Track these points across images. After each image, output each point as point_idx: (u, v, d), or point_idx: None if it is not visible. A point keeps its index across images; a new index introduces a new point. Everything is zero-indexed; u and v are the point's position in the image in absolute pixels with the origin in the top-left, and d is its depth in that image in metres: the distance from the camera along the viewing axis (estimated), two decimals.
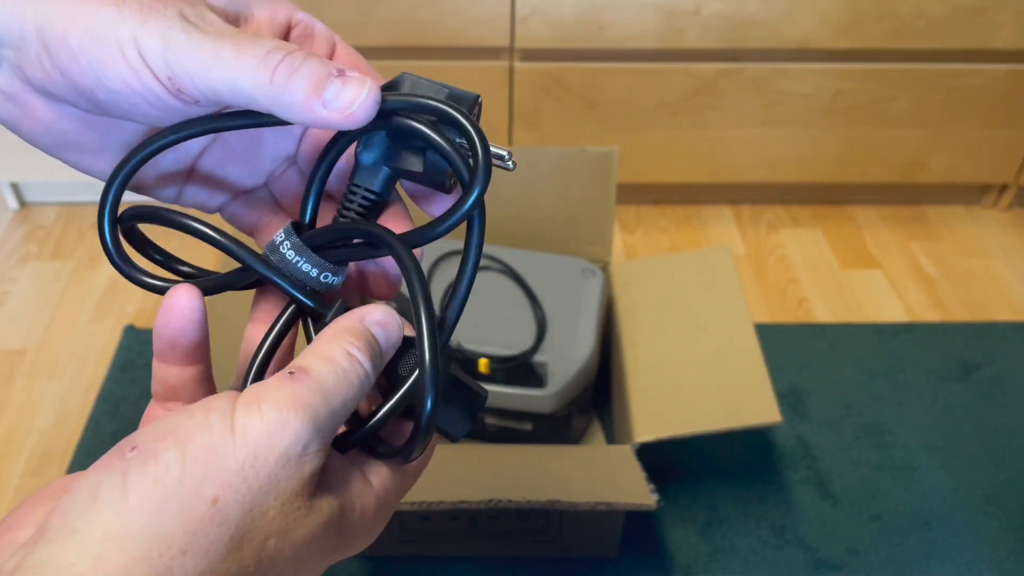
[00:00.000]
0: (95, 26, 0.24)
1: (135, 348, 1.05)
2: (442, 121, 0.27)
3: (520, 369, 0.82)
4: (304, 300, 0.28)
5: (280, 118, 0.25)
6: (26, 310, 1.12)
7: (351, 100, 0.24)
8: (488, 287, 0.90)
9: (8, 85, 0.25)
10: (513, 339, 0.84)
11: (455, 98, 0.28)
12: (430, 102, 0.27)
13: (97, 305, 1.13)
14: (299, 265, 0.28)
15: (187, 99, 0.25)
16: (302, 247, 0.28)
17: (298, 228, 0.29)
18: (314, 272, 0.28)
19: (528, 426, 0.82)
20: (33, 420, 0.97)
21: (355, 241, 0.28)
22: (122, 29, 0.24)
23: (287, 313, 0.29)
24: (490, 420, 0.83)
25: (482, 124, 0.28)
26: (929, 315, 1.15)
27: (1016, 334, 1.11)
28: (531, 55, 1.15)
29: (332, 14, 1.09)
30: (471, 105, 0.28)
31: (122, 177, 0.27)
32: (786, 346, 1.08)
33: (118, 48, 0.24)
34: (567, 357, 0.83)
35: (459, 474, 0.72)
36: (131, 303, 1.13)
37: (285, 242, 0.28)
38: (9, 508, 0.87)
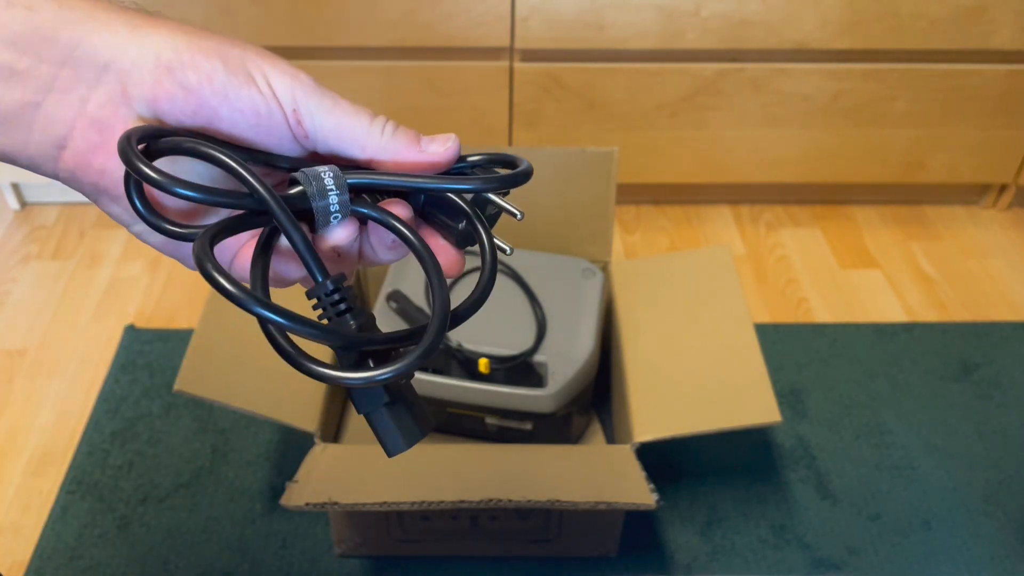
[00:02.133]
0: (227, 57, 0.29)
1: (135, 348, 1.05)
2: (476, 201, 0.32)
3: (520, 369, 0.82)
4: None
5: (378, 161, 0.31)
6: (27, 310, 1.12)
7: (441, 146, 0.32)
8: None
9: (100, 110, 0.29)
10: (513, 339, 0.84)
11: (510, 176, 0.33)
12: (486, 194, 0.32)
13: (98, 305, 1.13)
14: (329, 194, 0.29)
15: (301, 132, 0.30)
16: (344, 181, 0.30)
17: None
18: (334, 207, 0.30)
19: (528, 426, 0.83)
20: (34, 419, 0.97)
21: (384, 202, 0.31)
22: (251, 63, 0.29)
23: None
24: (490, 420, 0.83)
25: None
26: (928, 315, 1.15)
27: (1015, 334, 1.11)
28: (531, 55, 1.15)
29: (333, 15, 1.09)
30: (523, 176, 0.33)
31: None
32: (785, 346, 1.08)
33: (249, 76, 0.29)
34: (567, 357, 0.83)
35: (459, 474, 0.72)
36: (131, 303, 1.13)
37: (329, 171, 0.30)
38: (10, 509, 0.88)
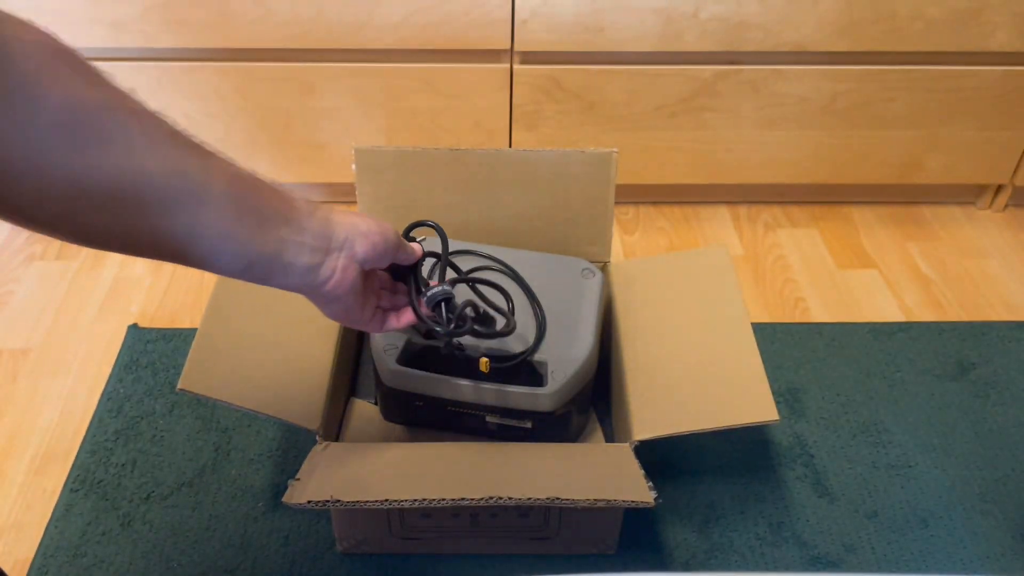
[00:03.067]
0: (385, 230, 0.62)
1: (139, 347, 1.06)
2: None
3: (520, 368, 0.83)
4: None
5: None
6: (30, 310, 1.12)
7: (415, 248, 0.70)
8: (488, 287, 0.90)
9: (346, 262, 0.58)
10: (513, 339, 0.85)
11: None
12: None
13: (101, 305, 1.13)
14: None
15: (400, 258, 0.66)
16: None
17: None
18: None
19: (528, 424, 0.83)
20: (37, 419, 0.98)
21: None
22: (390, 233, 0.62)
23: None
24: (490, 418, 0.84)
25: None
26: (925, 314, 1.16)
27: (1012, 333, 1.12)
28: (531, 58, 1.16)
29: (333, 16, 1.10)
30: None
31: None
32: (783, 345, 1.09)
33: (399, 241, 0.64)
34: (567, 356, 0.83)
35: (459, 471, 0.73)
36: (135, 302, 1.14)
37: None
38: (13, 508, 0.88)
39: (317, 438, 0.77)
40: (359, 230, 0.58)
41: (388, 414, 0.89)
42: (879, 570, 0.85)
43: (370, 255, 0.59)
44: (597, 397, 0.93)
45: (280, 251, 0.53)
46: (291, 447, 0.95)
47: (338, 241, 0.57)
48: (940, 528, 0.88)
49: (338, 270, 0.57)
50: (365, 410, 0.91)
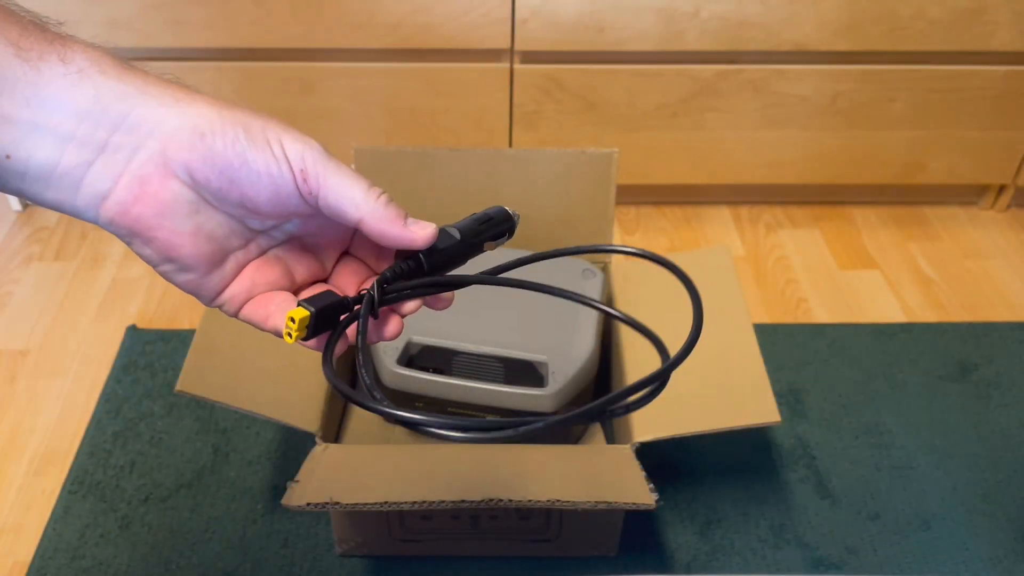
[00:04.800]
0: (249, 126, 0.34)
1: (137, 348, 1.05)
2: None
3: (520, 369, 0.83)
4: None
5: (366, 229, 0.36)
6: (29, 311, 1.12)
7: (422, 229, 0.38)
8: (488, 287, 0.90)
9: (141, 168, 0.34)
10: (513, 339, 0.84)
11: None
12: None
13: (100, 306, 1.13)
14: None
15: (307, 190, 0.35)
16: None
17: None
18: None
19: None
20: (36, 420, 0.97)
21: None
22: (269, 132, 0.35)
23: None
24: (491, 419, 0.83)
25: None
26: (927, 315, 1.15)
27: (1014, 334, 1.11)
28: (531, 57, 1.15)
29: (333, 16, 1.09)
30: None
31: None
32: (785, 346, 1.09)
33: (266, 141, 0.34)
34: (567, 357, 0.83)
35: (460, 474, 0.73)
36: (133, 304, 1.14)
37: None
38: (12, 509, 0.88)
39: (316, 440, 0.76)
40: (200, 118, 0.34)
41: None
42: (881, 572, 0.84)
43: (192, 160, 0.34)
44: (598, 399, 0.93)
45: None
46: (290, 449, 0.94)
47: (140, 129, 0.34)
48: (942, 530, 0.88)
49: (125, 179, 0.34)
50: (364, 412, 0.90)
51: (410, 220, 0.37)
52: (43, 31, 0.34)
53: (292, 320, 0.36)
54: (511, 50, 1.14)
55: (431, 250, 0.39)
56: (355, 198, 0.35)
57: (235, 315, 0.39)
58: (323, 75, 1.16)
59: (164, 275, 0.36)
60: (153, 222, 0.34)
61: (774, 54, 1.16)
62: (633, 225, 1.31)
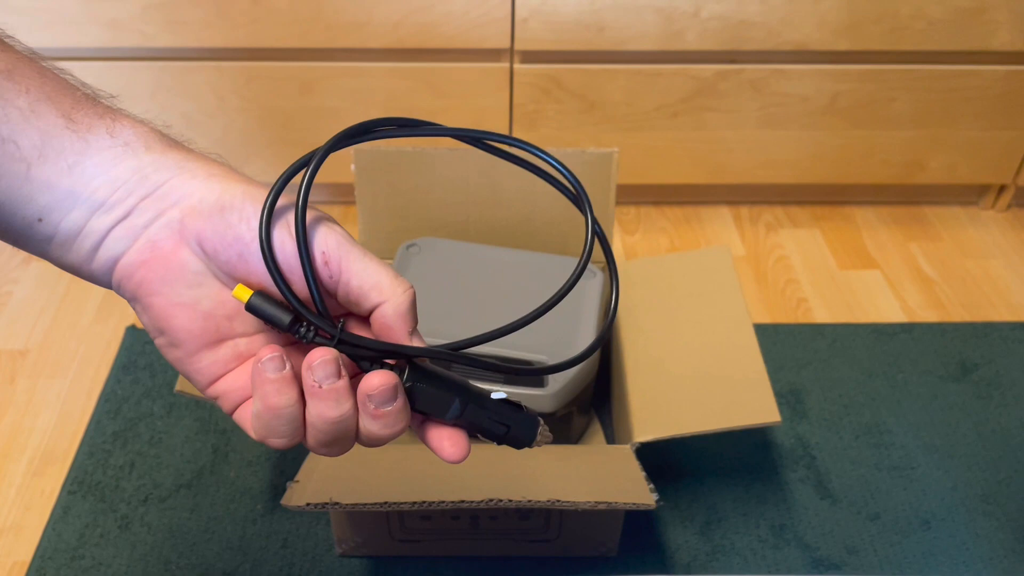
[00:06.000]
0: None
1: (137, 348, 1.05)
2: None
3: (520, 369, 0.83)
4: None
5: (383, 315, 0.35)
6: (29, 311, 1.12)
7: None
8: (488, 287, 0.90)
9: (157, 233, 0.34)
10: (513, 339, 0.84)
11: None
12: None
13: (99, 306, 1.13)
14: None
15: (327, 273, 0.34)
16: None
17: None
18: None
19: None
20: (35, 420, 0.97)
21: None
22: (290, 212, 0.34)
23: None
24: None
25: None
26: (927, 315, 1.15)
27: (1014, 334, 1.11)
28: (531, 57, 1.15)
29: (332, 16, 1.09)
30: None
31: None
32: (785, 346, 1.08)
33: (286, 221, 0.34)
34: (567, 357, 0.83)
35: (460, 474, 0.72)
36: None
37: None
38: (11, 509, 0.88)
39: None
40: (226, 192, 0.34)
41: None
42: (881, 572, 0.84)
43: (206, 230, 0.33)
44: (598, 398, 0.93)
45: (22, 195, 0.32)
46: (290, 449, 0.94)
47: (168, 198, 0.34)
48: (942, 530, 0.88)
49: (139, 243, 0.34)
50: None
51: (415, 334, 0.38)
52: (95, 104, 0.34)
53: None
54: (511, 50, 1.14)
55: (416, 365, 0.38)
56: (382, 284, 0.35)
57: (230, 414, 0.37)
58: (322, 75, 1.15)
59: (160, 349, 0.36)
60: (154, 287, 0.34)
61: (774, 54, 1.16)
62: (633, 225, 1.31)
